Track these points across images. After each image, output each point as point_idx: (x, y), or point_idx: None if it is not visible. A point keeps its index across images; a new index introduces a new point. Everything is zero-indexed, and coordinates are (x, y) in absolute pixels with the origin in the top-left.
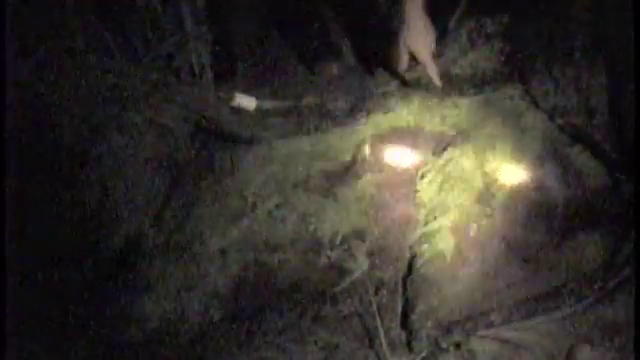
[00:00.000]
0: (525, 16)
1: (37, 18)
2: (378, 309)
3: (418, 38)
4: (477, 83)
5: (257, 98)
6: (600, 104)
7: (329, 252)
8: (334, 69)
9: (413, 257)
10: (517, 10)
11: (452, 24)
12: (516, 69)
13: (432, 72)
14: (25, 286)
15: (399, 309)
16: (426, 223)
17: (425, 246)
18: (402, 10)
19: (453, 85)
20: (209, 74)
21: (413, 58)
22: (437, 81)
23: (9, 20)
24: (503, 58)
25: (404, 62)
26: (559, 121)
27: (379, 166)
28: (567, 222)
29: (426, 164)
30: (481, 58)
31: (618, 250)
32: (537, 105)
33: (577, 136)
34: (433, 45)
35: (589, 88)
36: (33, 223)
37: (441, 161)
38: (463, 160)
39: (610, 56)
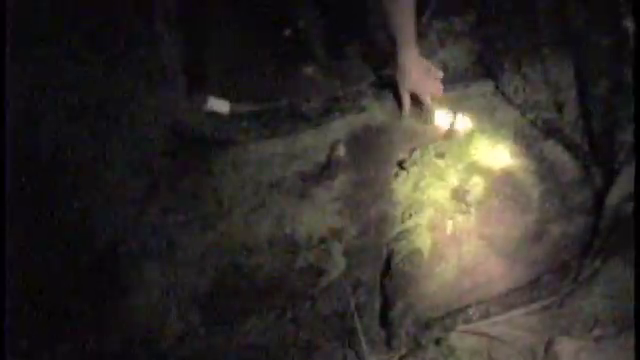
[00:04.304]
0: (493, 14)
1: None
2: (357, 308)
3: (418, 82)
4: (448, 81)
5: (230, 101)
6: (568, 98)
7: (306, 253)
8: (307, 71)
9: (390, 255)
10: (484, 9)
11: (422, 24)
12: (486, 67)
13: (431, 113)
14: (4, 293)
15: (378, 307)
16: (402, 221)
17: (402, 244)
18: (397, 59)
19: None
20: (182, 78)
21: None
22: (432, 120)
23: None
24: (473, 57)
25: (407, 105)
26: (530, 116)
27: (354, 166)
28: (542, 216)
29: (401, 162)
30: (451, 57)
31: (592, 242)
32: (509, 101)
33: (549, 130)
34: (439, 86)
35: (558, 83)
36: (10, 231)
37: (416, 159)
38: (437, 157)
39: (576, 51)
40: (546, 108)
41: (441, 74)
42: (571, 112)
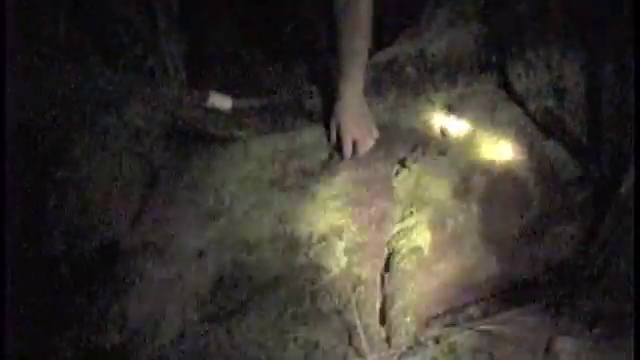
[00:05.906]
0: None
1: (13, 22)
2: (357, 306)
3: (353, 127)
4: (452, 68)
5: (232, 97)
6: (570, 85)
7: (307, 250)
8: (310, 67)
9: (391, 253)
10: None
11: (431, 4)
12: (492, 52)
13: (346, 150)
14: (4, 289)
15: (378, 305)
16: (403, 219)
17: (403, 242)
18: (340, 91)
19: (428, 71)
20: (183, 74)
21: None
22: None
23: None
24: (479, 41)
25: (333, 137)
26: (531, 106)
27: (355, 163)
28: (542, 215)
29: (402, 160)
30: (458, 41)
31: (592, 241)
32: (511, 87)
33: (549, 121)
34: (367, 134)
35: (560, 70)
36: (9, 226)
37: (417, 157)
38: (439, 155)
39: (581, 39)
40: (547, 96)
41: (377, 135)
42: (572, 100)
